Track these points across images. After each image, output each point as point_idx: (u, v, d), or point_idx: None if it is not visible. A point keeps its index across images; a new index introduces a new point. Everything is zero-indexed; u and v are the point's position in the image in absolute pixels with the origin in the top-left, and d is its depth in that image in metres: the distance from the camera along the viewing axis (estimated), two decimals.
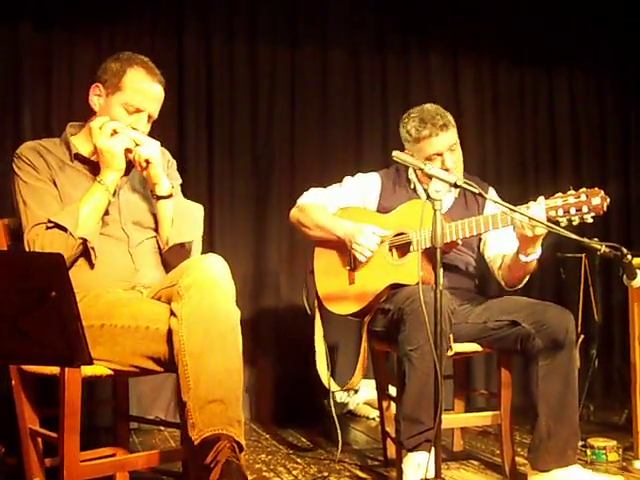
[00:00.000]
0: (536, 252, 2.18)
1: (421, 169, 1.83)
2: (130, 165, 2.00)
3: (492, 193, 2.51)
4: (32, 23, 3.12)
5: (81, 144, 2.02)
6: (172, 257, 2.02)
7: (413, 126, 2.35)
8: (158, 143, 2.00)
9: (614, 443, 2.45)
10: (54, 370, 1.73)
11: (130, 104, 1.96)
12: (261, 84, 3.48)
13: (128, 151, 1.95)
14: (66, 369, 1.66)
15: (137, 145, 1.95)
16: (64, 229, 1.84)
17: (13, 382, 1.88)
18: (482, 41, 3.79)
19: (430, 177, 1.81)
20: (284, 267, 3.46)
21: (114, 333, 1.76)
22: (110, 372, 1.79)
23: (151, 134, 2.03)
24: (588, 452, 2.44)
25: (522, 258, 2.18)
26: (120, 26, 3.25)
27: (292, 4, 3.52)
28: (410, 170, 2.46)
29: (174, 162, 2.17)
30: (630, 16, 3.85)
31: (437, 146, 2.33)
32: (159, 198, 2.01)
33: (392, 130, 3.57)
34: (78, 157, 2.00)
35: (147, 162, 1.96)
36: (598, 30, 3.90)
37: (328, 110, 3.58)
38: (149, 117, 2.01)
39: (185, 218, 2.03)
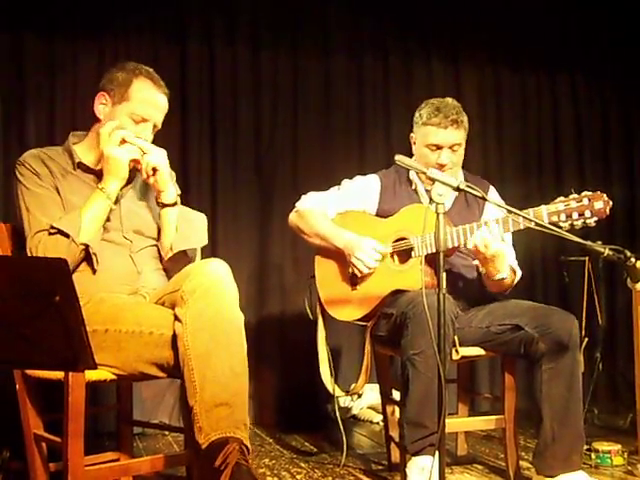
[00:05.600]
0: (502, 272, 2.18)
1: (424, 173, 1.83)
2: (132, 174, 2.01)
3: (493, 192, 2.51)
4: (35, 33, 3.14)
5: (84, 153, 2.03)
6: (174, 265, 2.02)
7: (427, 111, 2.37)
8: (165, 152, 2.02)
9: (619, 447, 2.45)
10: (58, 375, 1.73)
11: (137, 114, 1.98)
12: (264, 89, 3.49)
13: (135, 161, 1.96)
14: (70, 374, 1.66)
15: (144, 154, 1.97)
16: (66, 235, 1.84)
17: (17, 387, 1.88)
18: (484, 46, 3.79)
19: (433, 180, 1.81)
20: (287, 272, 3.46)
21: (118, 338, 1.77)
22: (114, 377, 1.80)
23: (155, 141, 2.04)
24: (593, 456, 2.44)
25: (490, 278, 2.21)
26: (122, 35, 3.27)
27: (294, 10, 3.53)
28: (411, 170, 2.46)
29: (174, 174, 2.18)
30: (631, 20, 3.84)
31: (440, 138, 2.33)
32: (164, 206, 2.02)
33: (395, 135, 3.59)
34: (81, 166, 2.01)
35: (154, 170, 1.98)
36: (600, 34, 3.90)
37: (330, 115, 3.58)
38: (154, 127, 2.03)
39: (190, 226, 2.05)
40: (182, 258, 2.02)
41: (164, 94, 2.04)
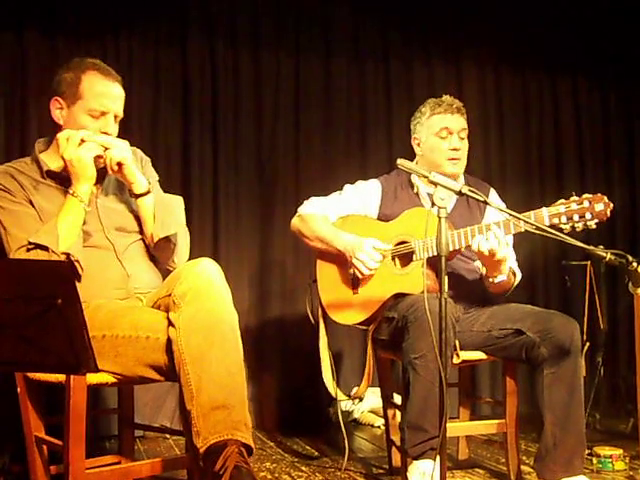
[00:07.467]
0: (503, 274, 2.21)
1: (426, 177, 1.83)
2: (101, 172, 1.99)
3: (493, 194, 2.51)
4: (37, 32, 3.14)
5: (51, 160, 2.01)
6: (160, 252, 2.04)
7: (430, 105, 2.44)
8: (127, 142, 2.00)
9: (620, 452, 2.44)
10: (60, 378, 1.73)
11: (94, 109, 1.96)
12: (265, 92, 3.50)
13: (98, 157, 1.94)
14: (71, 377, 1.66)
15: (107, 149, 1.95)
16: (45, 248, 1.82)
17: (19, 390, 1.89)
18: (485, 48, 3.80)
19: (435, 185, 1.81)
20: (289, 276, 3.46)
21: (115, 343, 1.77)
22: (114, 380, 1.80)
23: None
24: (594, 461, 2.43)
25: (489, 279, 2.23)
26: (125, 35, 3.27)
27: (295, 12, 3.54)
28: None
29: (148, 159, 2.17)
30: (633, 21, 3.85)
31: (449, 122, 2.39)
32: (138, 196, 2.02)
33: (396, 137, 3.59)
34: (50, 174, 1.99)
35: (119, 164, 1.96)
36: (601, 36, 3.90)
37: (332, 117, 3.59)
38: (115, 117, 2.01)
39: (167, 211, 2.04)
40: (166, 244, 2.02)
41: (116, 82, 2.01)
